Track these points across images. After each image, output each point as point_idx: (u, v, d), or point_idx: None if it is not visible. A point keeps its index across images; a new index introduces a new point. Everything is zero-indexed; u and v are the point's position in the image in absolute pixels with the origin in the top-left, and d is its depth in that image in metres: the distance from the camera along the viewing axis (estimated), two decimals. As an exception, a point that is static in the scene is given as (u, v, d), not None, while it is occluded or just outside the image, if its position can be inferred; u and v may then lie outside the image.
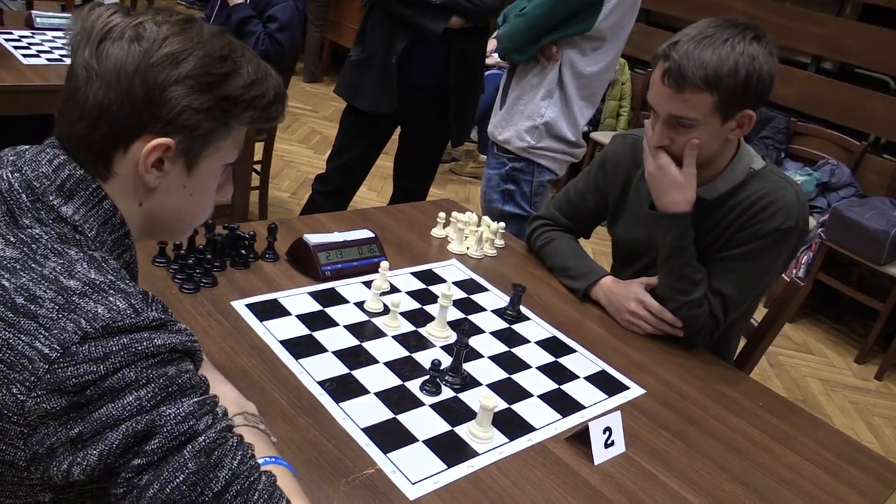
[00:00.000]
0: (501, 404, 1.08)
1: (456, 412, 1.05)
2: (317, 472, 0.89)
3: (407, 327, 1.24)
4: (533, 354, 1.24)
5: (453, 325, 1.28)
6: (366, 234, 1.43)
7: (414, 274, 1.45)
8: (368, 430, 0.97)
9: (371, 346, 1.16)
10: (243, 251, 1.32)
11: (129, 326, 0.62)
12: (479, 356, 1.20)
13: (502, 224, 1.64)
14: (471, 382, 1.12)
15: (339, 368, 1.09)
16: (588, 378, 1.20)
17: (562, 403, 1.12)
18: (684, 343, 1.37)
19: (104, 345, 0.60)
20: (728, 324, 1.34)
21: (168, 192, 0.71)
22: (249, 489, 0.65)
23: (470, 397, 1.09)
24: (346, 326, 1.20)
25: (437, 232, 1.63)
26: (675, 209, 1.27)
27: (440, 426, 1.01)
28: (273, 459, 0.74)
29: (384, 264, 1.31)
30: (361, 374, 1.09)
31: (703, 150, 1.24)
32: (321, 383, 1.05)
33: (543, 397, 1.13)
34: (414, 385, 1.09)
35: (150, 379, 0.61)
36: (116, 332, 0.61)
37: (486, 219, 1.65)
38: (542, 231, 1.59)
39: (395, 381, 1.09)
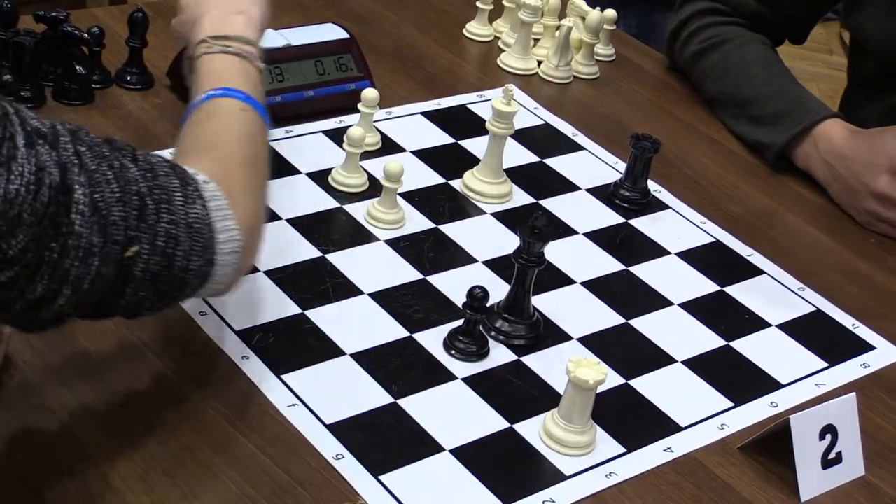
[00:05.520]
0: (611, 378, 1.07)
1: (518, 394, 1.05)
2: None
3: (418, 223, 1.25)
4: (674, 277, 1.24)
5: (513, 216, 1.28)
6: (330, 32, 1.43)
7: (430, 115, 1.44)
8: (341, 430, 0.98)
9: (344, 261, 1.17)
10: (80, 67, 1.31)
11: None
12: (566, 281, 1.21)
13: (612, 13, 1.61)
14: (548, 334, 1.12)
15: (281, 305, 1.10)
16: (787, 326, 1.21)
17: (733, 377, 1.13)
18: None
19: None
20: None
21: None
22: (145, 215, 0.83)
23: (546, 364, 1.09)
24: (291, 221, 1.21)
25: (476, 29, 1.63)
26: None
27: (487, 421, 1.02)
28: (225, 91, 1.01)
29: (369, 95, 1.29)
30: (326, 317, 1.09)
31: None
32: (243, 335, 1.05)
33: (696, 365, 1.13)
34: (433, 339, 1.09)
35: None
36: None
37: (579, 2, 1.63)
38: (700, 26, 1.57)
39: (394, 330, 1.10)
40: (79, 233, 0.77)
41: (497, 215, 1.27)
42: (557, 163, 1.40)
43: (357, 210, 1.24)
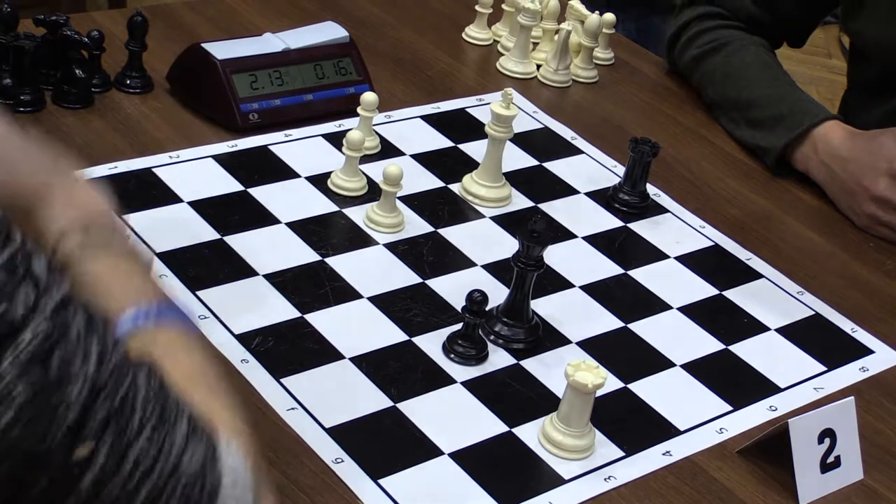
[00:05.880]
0: (610, 382, 1.07)
1: (517, 397, 1.06)
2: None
3: (417, 227, 1.25)
4: (674, 281, 1.25)
5: (512, 219, 1.28)
6: (331, 33, 1.43)
7: (429, 119, 1.44)
8: (340, 434, 0.98)
9: (343, 265, 1.17)
10: (79, 71, 1.32)
11: None
12: (565, 285, 1.21)
13: (611, 17, 1.61)
14: (547, 338, 1.12)
15: (280, 309, 1.10)
16: (786, 330, 1.22)
17: (732, 381, 1.13)
18: None
19: None
20: None
21: None
22: (122, 416, 0.68)
23: (545, 367, 1.10)
24: (291, 225, 1.20)
25: (475, 32, 1.63)
26: None
27: (486, 425, 1.02)
28: (153, 313, 0.79)
29: (368, 98, 1.29)
30: (325, 321, 1.10)
31: None
32: (243, 339, 1.05)
33: (695, 369, 1.14)
34: (432, 343, 1.10)
35: None
36: None
37: (578, 5, 1.61)
38: (699, 30, 1.58)
39: (393, 334, 1.10)
40: (2, 373, 0.65)
41: (496, 219, 1.28)
42: (556, 166, 1.40)
43: (356, 214, 1.24)
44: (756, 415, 1.09)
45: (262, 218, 1.21)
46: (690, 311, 1.21)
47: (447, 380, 1.05)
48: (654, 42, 1.78)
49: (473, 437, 1.00)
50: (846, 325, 1.23)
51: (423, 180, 1.32)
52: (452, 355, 1.08)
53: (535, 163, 1.40)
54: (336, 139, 1.33)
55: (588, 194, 1.36)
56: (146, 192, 1.21)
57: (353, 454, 0.96)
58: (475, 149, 1.36)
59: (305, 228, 1.20)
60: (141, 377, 0.70)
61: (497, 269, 1.20)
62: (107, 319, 0.72)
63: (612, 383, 1.08)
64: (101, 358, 0.69)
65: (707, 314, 1.21)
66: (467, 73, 1.55)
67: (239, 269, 1.13)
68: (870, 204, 1.37)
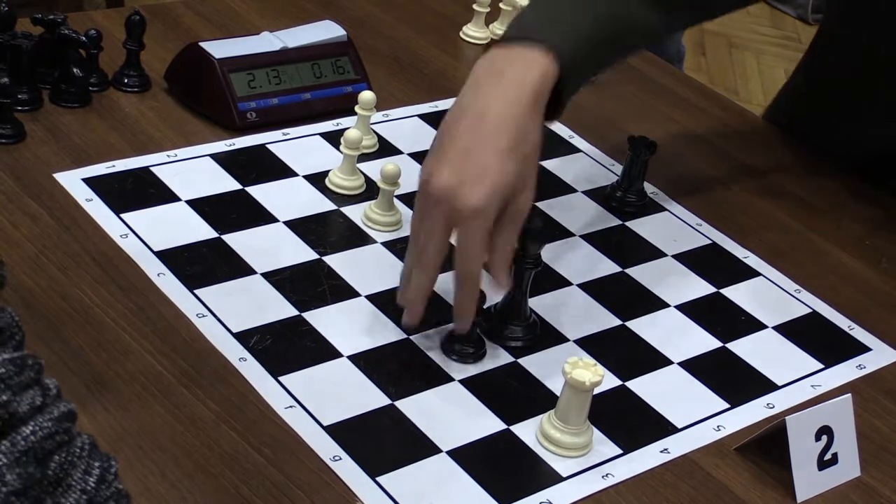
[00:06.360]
0: (608, 380, 1.08)
1: (515, 395, 1.06)
2: (236, 513, 0.90)
3: (414, 225, 1.23)
4: (670, 279, 1.25)
5: (508, 220, 1.27)
6: (328, 32, 1.43)
7: (427, 117, 1.45)
8: (338, 432, 0.98)
9: (341, 264, 1.17)
10: (76, 70, 1.32)
11: None
12: (562, 283, 1.22)
13: (607, 15, 1.60)
14: (545, 336, 1.13)
15: (278, 307, 1.10)
16: (783, 328, 1.22)
17: (730, 379, 1.14)
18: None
19: None
20: None
21: None
22: None
23: (543, 366, 1.10)
24: (289, 223, 1.21)
25: (472, 31, 1.64)
26: None
27: (484, 422, 1.03)
28: None
29: (366, 97, 1.30)
30: (323, 320, 1.10)
31: None
32: (241, 337, 1.05)
33: (692, 367, 1.14)
34: (430, 341, 1.10)
35: None
36: None
37: (575, 4, 1.60)
38: None
39: (391, 332, 1.10)
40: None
41: (494, 217, 1.28)
42: (554, 165, 1.40)
43: (354, 212, 1.24)
44: (753, 412, 1.09)
45: (259, 216, 1.21)
46: (688, 308, 1.21)
47: (445, 378, 1.06)
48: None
49: (471, 434, 1.01)
50: (843, 322, 1.24)
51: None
52: (451, 354, 1.08)
53: (533, 161, 1.40)
54: (334, 138, 1.33)
55: (585, 193, 1.36)
56: (144, 190, 1.21)
57: (352, 452, 0.96)
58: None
59: (303, 227, 1.21)
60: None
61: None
62: (109, 457, 0.71)
63: (610, 381, 1.09)
64: (103, 477, 0.68)
65: (704, 312, 1.21)
66: (465, 72, 1.53)
67: (237, 268, 1.13)
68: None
